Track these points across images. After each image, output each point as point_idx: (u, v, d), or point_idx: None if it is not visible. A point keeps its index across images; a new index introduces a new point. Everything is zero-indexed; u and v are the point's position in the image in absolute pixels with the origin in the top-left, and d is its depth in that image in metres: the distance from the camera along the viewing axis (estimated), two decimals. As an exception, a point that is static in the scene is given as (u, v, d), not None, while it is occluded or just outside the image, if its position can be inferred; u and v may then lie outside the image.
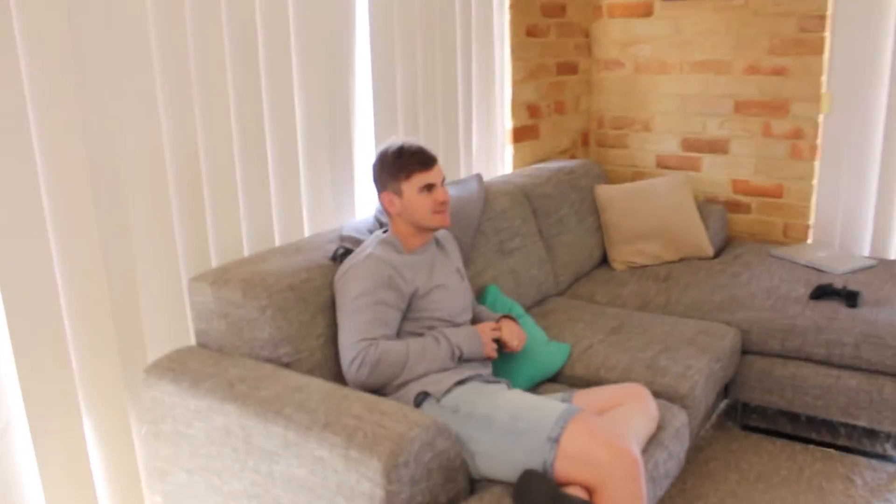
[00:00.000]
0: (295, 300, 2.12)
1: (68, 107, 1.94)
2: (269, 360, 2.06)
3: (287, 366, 2.08)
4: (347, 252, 2.31)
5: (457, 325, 2.25)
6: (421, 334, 2.17)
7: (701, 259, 3.59)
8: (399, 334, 2.17)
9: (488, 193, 3.05)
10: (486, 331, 2.25)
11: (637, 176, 4.27)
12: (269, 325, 2.06)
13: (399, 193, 2.20)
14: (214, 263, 2.36)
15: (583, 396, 2.19)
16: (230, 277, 2.11)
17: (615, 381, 2.46)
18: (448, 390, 2.05)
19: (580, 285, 3.37)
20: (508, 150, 3.75)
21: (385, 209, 2.26)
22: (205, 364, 2.02)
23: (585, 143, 4.39)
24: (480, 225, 2.91)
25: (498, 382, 2.19)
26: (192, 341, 2.29)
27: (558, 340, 2.70)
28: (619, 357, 2.56)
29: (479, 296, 2.75)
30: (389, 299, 2.11)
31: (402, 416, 1.71)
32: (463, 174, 3.40)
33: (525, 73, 3.74)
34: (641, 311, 3.04)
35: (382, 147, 2.25)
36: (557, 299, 3.19)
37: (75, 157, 1.98)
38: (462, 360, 2.17)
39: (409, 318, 2.19)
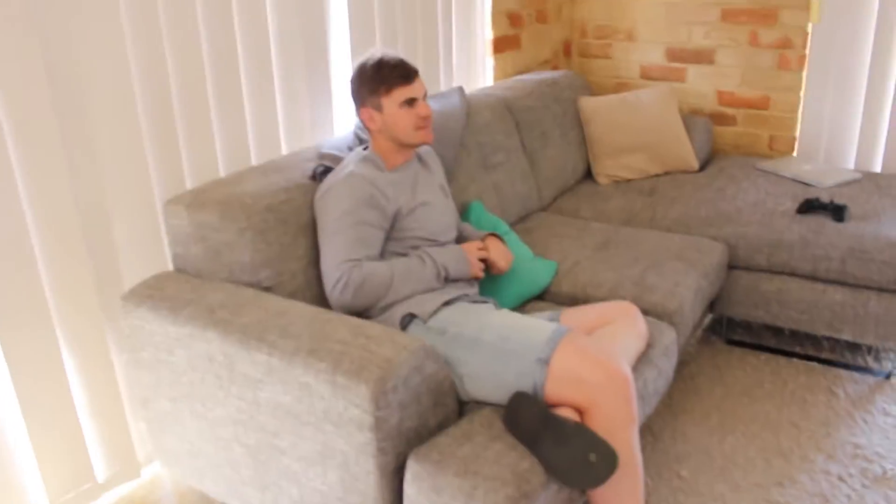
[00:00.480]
0: (274, 221, 2.04)
1: (27, 29, 1.81)
2: (249, 285, 2.00)
3: (268, 290, 2.01)
4: (327, 170, 2.23)
5: (441, 244, 2.19)
6: (405, 255, 2.11)
7: (686, 173, 3.53)
8: (383, 255, 2.11)
9: (470, 107, 2.94)
10: (472, 250, 2.19)
11: (620, 87, 4.17)
12: (249, 249, 1.99)
13: (379, 109, 2.10)
14: (189, 185, 2.27)
15: (571, 315, 2.16)
16: (206, 199, 2.03)
17: (603, 299, 2.43)
18: (435, 311, 2.00)
19: (564, 200, 3.31)
20: (489, 61, 3.63)
21: (365, 125, 2.17)
22: (183, 290, 1.95)
23: (568, 53, 4.26)
24: (463, 139, 2.83)
25: (485, 302, 2.14)
26: (169, 266, 2.22)
27: (544, 257, 2.65)
28: (606, 274, 2.52)
29: (463, 213, 2.69)
30: (372, 219, 2.04)
31: (388, 340, 1.67)
32: (443, 87, 3.29)
33: (506, -21, 3.59)
34: (627, 227, 3.00)
35: (361, 60, 2.14)
36: (542, 215, 3.13)
37: (36, 81, 1.85)
38: (448, 280, 2.12)
39: (393, 238, 2.12)
